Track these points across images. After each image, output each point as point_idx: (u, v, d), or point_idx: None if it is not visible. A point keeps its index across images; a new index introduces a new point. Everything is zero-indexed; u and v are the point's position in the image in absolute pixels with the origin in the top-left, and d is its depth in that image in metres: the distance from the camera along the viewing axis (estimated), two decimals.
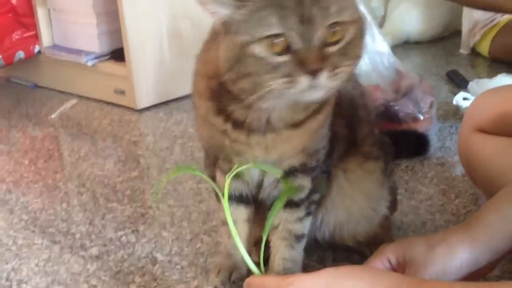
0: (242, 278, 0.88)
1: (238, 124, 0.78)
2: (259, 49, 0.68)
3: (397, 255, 0.81)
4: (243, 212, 0.90)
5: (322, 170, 0.87)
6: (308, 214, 0.88)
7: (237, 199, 0.89)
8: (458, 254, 0.77)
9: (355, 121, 0.93)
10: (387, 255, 0.81)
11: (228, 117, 0.78)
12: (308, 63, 0.67)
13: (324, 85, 0.69)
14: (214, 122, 0.79)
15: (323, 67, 0.68)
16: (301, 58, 0.68)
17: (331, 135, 0.86)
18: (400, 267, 0.80)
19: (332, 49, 0.69)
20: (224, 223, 0.86)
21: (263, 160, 0.80)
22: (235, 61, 0.70)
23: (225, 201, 0.76)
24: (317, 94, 0.70)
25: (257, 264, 0.83)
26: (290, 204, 0.87)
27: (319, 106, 0.79)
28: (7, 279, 1.02)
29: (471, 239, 0.78)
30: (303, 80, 0.68)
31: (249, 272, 0.84)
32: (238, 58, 0.70)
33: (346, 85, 0.75)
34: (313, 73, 0.67)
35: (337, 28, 0.69)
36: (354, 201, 0.94)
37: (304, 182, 0.85)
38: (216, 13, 0.70)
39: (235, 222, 0.85)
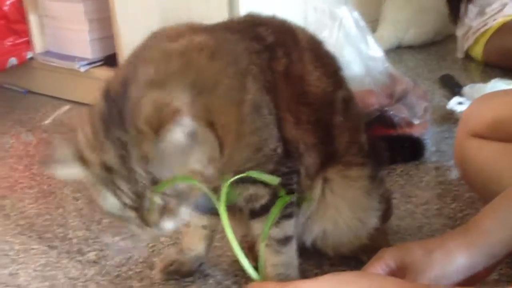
0: (177, 273, 0.98)
1: None
2: (105, 207, 0.76)
3: (395, 260, 0.81)
4: (200, 219, 0.96)
5: (282, 173, 0.84)
6: (284, 217, 0.86)
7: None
8: (456, 259, 0.78)
9: (328, 129, 0.91)
10: (386, 260, 0.81)
11: None
12: (149, 222, 0.75)
13: (171, 227, 0.76)
14: None
15: (163, 218, 0.75)
16: (141, 217, 0.75)
17: (289, 143, 0.85)
18: (399, 272, 0.80)
19: (171, 198, 0.74)
20: (186, 224, 0.95)
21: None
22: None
23: (222, 207, 0.76)
24: (174, 228, 0.77)
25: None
26: (254, 214, 0.87)
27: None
28: (6, 285, 1.01)
29: (469, 245, 0.79)
30: (151, 230, 0.76)
31: (185, 270, 0.96)
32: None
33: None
34: (156, 224, 0.75)
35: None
36: (338, 212, 0.92)
37: (258, 191, 0.85)
38: (67, 177, 0.77)
39: (189, 226, 0.96)
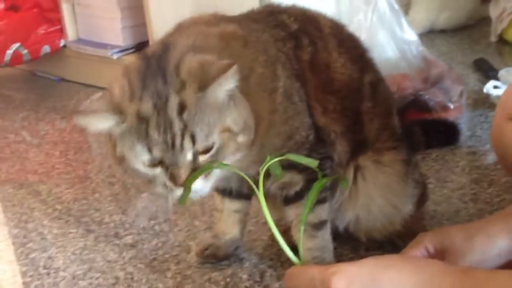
0: (214, 257, 0.98)
1: None
2: (133, 163, 0.73)
3: (435, 244, 0.80)
4: (232, 203, 0.96)
5: (315, 159, 0.83)
6: (318, 202, 0.86)
7: (225, 192, 0.96)
8: (497, 243, 0.77)
9: (357, 116, 0.90)
10: (425, 244, 0.80)
11: None
12: (178, 179, 0.72)
13: (200, 189, 0.74)
14: None
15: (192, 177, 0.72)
16: (171, 174, 0.73)
17: (320, 129, 0.85)
18: (438, 256, 0.79)
19: (203, 157, 0.73)
20: (217, 209, 0.98)
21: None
22: (119, 162, 0.76)
23: (260, 193, 0.76)
24: (200, 193, 0.75)
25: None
26: (288, 200, 0.87)
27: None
28: (44, 267, 1.04)
29: (510, 229, 0.78)
30: (178, 191, 0.73)
31: (221, 254, 0.97)
32: (120, 162, 0.75)
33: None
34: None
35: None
36: (371, 199, 0.92)
37: (293, 177, 0.85)
38: (99, 129, 0.74)
39: (223, 211, 0.97)
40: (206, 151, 0.72)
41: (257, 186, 0.76)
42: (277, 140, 0.82)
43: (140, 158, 0.72)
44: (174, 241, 1.07)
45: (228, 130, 0.73)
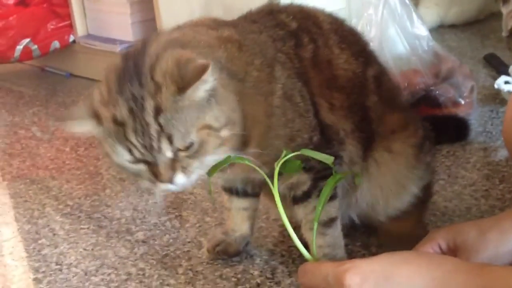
0: (225, 253, 0.99)
1: None
2: (117, 161, 0.75)
3: (447, 240, 0.80)
4: (240, 201, 0.97)
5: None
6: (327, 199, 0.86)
7: (231, 191, 0.97)
8: (510, 239, 0.77)
9: (364, 112, 0.90)
10: (438, 240, 0.80)
11: None
12: (159, 175, 0.74)
13: (183, 183, 0.75)
14: None
15: (175, 173, 0.73)
16: (153, 171, 0.74)
17: (329, 128, 0.85)
18: (451, 253, 0.80)
19: (184, 153, 0.73)
20: (226, 207, 0.99)
21: None
22: (106, 157, 0.77)
23: (275, 189, 0.76)
24: (182, 187, 0.75)
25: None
26: (297, 199, 0.87)
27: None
28: (57, 263, 1.04)
29: None
30: (161, 185, 0.75)
31: (232, 250, 0.98)
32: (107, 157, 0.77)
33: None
34: (168, 179, 0.74)
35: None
36: (383, 183, 0.92)
37: (300, 178, 0.85)
38: (82, 132, 0.76)
39: (231, 209, 0.98)
40: (186, 148, 0.73)
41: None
42: (278, 142, 0.81)
43: (122, 158, 0.74)
44: (185, 237, 1.08)
45: (208, 127, 0.73)
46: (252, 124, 0.78)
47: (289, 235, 0.77)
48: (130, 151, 0.73)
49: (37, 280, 1.00)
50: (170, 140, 0.71)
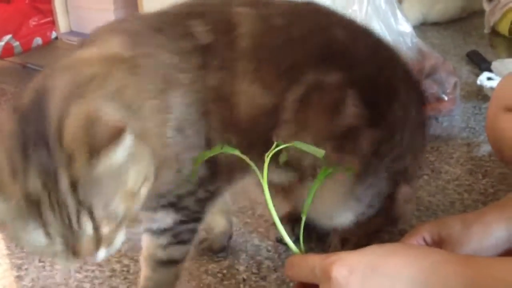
0: (210, 249, 0.99)
1: None
2: (29, 241, 0.64)
3: (432, 233, 0.81)
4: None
5: (197, 198, 0.80)
6: (177, 243, 0.83)
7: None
8: (495, 232, 0.77)
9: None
10: (423, 234, 0.81)
11: None
12: (81, 252, 0.65)
13: (106, 255, 0.67)
14: None
15: (99, 249, 0.65)
16: (74, 250, 0.65)
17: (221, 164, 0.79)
18: (436, 246, 0.80)
19: (107, 227, 0.65)
20: None
21: None
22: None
23: (264, 181, 0.75)
24: (106, 254, 0.67)
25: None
26: (152, 231, 0.83)
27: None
28: (40, 260, 1.03)
29: (508, 219, 0.78)
30: (79, 261, 0.66)
31: (216, 247, 0.99)
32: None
33: None
34: (89, 255, 0.65)
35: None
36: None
37: (164, 216, 0.80)
38: None
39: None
40: (109, 221, 0.65)
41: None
42: (166, 175, 0.75)
43: (36, 240, 0.63)
44: None
45: (130, 194, 0.65)
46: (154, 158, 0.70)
47: (276, 228, 0.77)
48: (46, 231, 0.63)
49: (20, 278, 0.99)
50: (91, 214, 0.63)
